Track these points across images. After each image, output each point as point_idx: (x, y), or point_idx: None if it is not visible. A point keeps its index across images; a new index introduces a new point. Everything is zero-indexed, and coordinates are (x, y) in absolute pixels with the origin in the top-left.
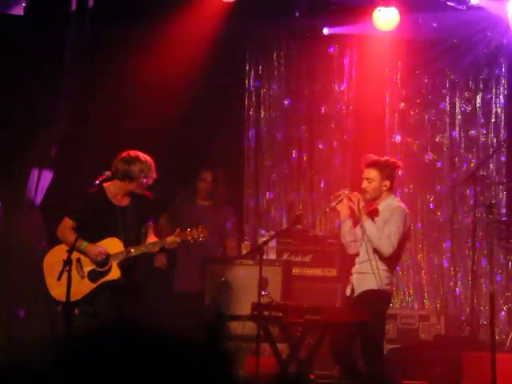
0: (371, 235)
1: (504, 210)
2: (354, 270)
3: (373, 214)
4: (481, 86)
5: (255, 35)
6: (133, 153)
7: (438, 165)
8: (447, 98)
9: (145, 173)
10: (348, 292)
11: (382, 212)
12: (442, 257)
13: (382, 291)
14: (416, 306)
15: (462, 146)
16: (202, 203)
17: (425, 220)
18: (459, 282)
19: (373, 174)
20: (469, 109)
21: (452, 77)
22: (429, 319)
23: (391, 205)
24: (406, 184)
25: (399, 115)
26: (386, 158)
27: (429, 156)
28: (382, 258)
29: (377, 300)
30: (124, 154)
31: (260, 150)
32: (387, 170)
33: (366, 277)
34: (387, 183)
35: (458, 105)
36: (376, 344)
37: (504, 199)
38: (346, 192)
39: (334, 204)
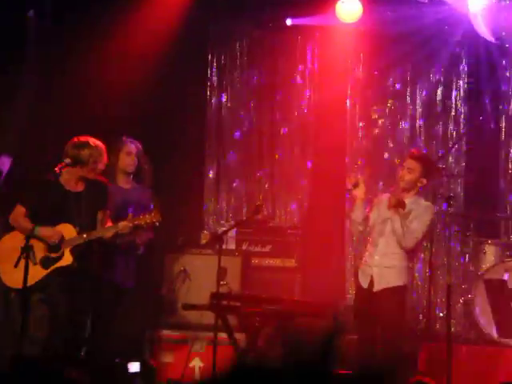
0: (397, 229)
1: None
2: (371, 262)
3: (400, 205)
4: (442, 79)
5: (218, 25)
6: (83, 138)
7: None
8: (408, 91)
9: (94, 157)
10: (365, 284)
11: (408, 206)
12: None
13: (405, 287)
14: None
15: (423, 138)
16: (124, 185)
17: None
18: (417, 275)
19: (416, 165)
20: (430, 102)
21: (413, 70)
22: None
23: (421, 202)
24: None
25: (360, 107)
26: (430, 156)
27: (390, 146)
28: (406, 253)
29: (403, 297)
30: (74, 140)
31: (221, 140)
32: (430, 170)
33: (392, 271)
34: (424, 181)
35: (418, 97)
36: (397, 339)
37: (462, 192)
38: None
39: (350, 187)
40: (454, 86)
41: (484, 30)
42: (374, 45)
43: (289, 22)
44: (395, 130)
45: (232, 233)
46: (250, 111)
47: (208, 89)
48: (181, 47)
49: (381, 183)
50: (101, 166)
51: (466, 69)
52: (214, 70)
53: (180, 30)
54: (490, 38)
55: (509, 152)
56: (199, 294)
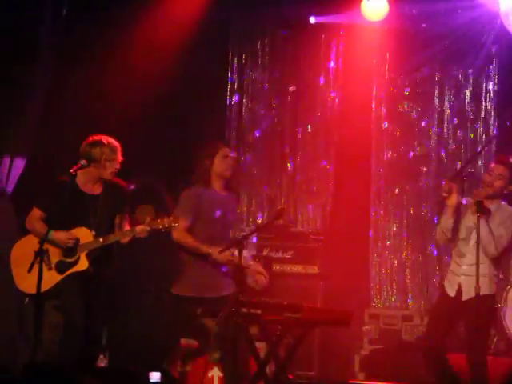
0: (484, 237)
1: None
2: (458, 271)
3: (485, 212)
4: (471, 79)
5: (239, 23)
6: (96, 136)
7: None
8: (436, 91)
9: (107, 155)
10: (452, 293)
11: (494, 213)
12: (426, 255)
13: (494, 296)
14: (399, 306)
15: (450, 141)
16: (220, 191)
17: (406, 216)
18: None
19: (506, 172)
20: (459, 103)
21: (441, 70)
22: (412, 319)
23: (506, 207)
24: (394, 180)
25: (386, 108)
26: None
27: (416, 150)
28: (493, 261)
29: (492, 306)
30: (88, 139)
31: (241, 141)
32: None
33: (480, 280)
34: (511, 188)
35: (446, 98)
36: (485, 350)
37: None
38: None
39: (445, 195)
40: (484, 87)
41: None
42: (400, 44)
43: (312, 19)
44: (421, 131)
45: (253, 238)
46: (271, 112)
47: (228, 89)
48: (201, 46)
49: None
50: (116, 165)
51: (496, 69)
52: (234, 69)
53: (200, 29)
54: None
55: None
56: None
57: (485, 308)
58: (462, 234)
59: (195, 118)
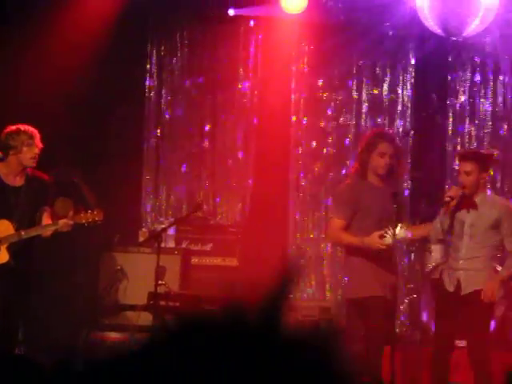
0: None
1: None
2: (456, 266)
3: (470, 207)
4: (388, 73)
5: (158, 15)
6: (12, 126)
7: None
8: (354, 85)
9: (24, 141)
10: (451, 288)
11: (480, 206)
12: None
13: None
14: (317, 297)
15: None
16: (377, 183)
17: (325, 209)
18: None
19: (471, 166)
20: (376, 96)
21: (360, 63)
22: (330, 311)
23: (495, 200)
24: (313, 172)
25: (305, 99)
26: (482, 150)
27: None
28: (489, 254)
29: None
30: (4, 130)
31: (161, 135)
32: (486, 163)
33: (479, 275)
34: (485, 176)
35: (364, 91)
36: (486, 345)
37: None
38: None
39: (448, 200)
40: (401, 80)
41: (431, 23)
42: (319, 36)
43: (231, 12)
44: (340, 125)
45: (171, 231)
46: (190, 105)
47: (147, 82)
48: (119, 38)
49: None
50: (35, 151)
51: (412, 62)
52: (153, 62)
53: (118, 23)
54: (437, 30)
55: (455, 147)
56: (136, 294)
57: (484, 303)
58: (456, 229)
59: (114, 112)
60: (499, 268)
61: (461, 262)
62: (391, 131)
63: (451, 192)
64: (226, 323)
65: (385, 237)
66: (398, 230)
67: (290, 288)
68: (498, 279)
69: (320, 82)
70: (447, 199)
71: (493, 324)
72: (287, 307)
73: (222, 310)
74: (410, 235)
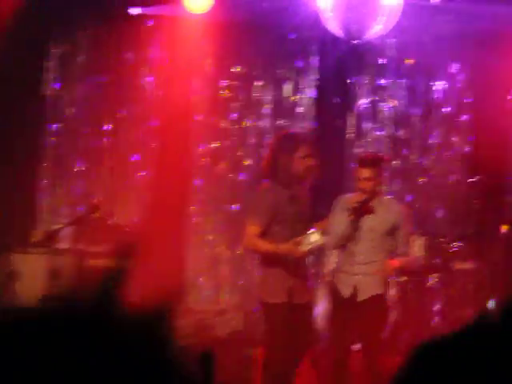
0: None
1: None
2: (352, 271)
3: (369, 212)
4: (291, 75)
5: (59, 14)
6: None
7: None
8: (257, 86)
9: None
10: (347, 293)
11: (378, 210)
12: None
13: (385, 295)
14: (213, 300)
15: (269, 135)
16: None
17: (223, 211)
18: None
19: (370, 172)
20: (278, 98)
21: (263, 64)
22: (225, 314)
23: (392, 204)
24: (212, 174)
25: (206, 100)
26: (377, 153)
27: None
28: (385, 259)
29: (386, 305)
30: None
31: (59, 133)
32: (382, 167)
33: (376, 279)
34: (381, 180)
35: (269, 93)
36: (379, 350)
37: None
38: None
39: (355, 205)
40: (304, 82)
41: (333, 26)
42: (223, 37)
43: (134, 11)
44: (243, 128)
45: (67, 231)
46: (89, 104)
47: (47, 79)
48: (20, 35)
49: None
50: None
51: (315, 65)
52: (53, 59)
53: (20, 17)
54: (339, 33)
55: (357, 150)
56: (29, 296)
57: (380, 308)
58: (353, 234)
59: (12, 109)
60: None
61: (358, 266)
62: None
63: (357, 198)
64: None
65: (301, 244)
66: (313, 236)
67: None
68: (395, 264)
69: (223, 82)
70: (356, 205)
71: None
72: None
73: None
74: (324, 241)
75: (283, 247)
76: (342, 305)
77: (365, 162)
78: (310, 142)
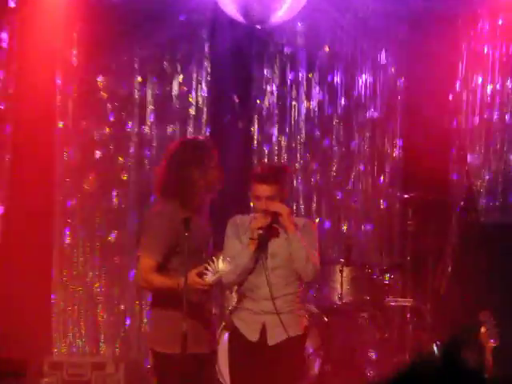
0: (301, 257)
1: None
2: (258, 308)
3: (274, 236)
4: (179, 68)
5: None
6: None
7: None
8: (136, 81)
9: None
10: (254, 337)
11: (282, 231)
12: (125, 287)
13: (306, 336)
14: (88, 352)
15: (155, 144)
16: None
17: (99, 238)
18: (146, 320)
19: (271, 189)
20: (163, 95)
21: (147, 55)
22: (104, 367)
23: (297, 220)
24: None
25: (74, 100)
26: (275, 165)
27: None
28: (298, 293)
29: (303, 349)
30: None
31: None
32: (284, 178)
33: (288, 318)
34: (286, 194)
35: (149, 91)
36: None
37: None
38: None
39: (260, 233)
40: (195, 77)
41: (231, 8)
42: (94, 21)
43: None
44: (123, 131)
45: None
46: None
47: None
48: None
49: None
50: None
51: (208, 56)
52: None
53: None
54: (238, 17)
55: (261, 158)
56: None
57: (297, 352)
58: (250, 263)
59: None
60: (314, 309)
61: (264, 303)
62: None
63: (258, 223)
64: None
65: (205, 274)
66: (219, 263)
67: None
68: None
69: (95, 79)
70: (259, 233)
71: (310, 380)
72: None
73: None
74: (231, 268)
75: (184, 281)
76: (247, 352)
77: (261, 176)
78: (215, 149)
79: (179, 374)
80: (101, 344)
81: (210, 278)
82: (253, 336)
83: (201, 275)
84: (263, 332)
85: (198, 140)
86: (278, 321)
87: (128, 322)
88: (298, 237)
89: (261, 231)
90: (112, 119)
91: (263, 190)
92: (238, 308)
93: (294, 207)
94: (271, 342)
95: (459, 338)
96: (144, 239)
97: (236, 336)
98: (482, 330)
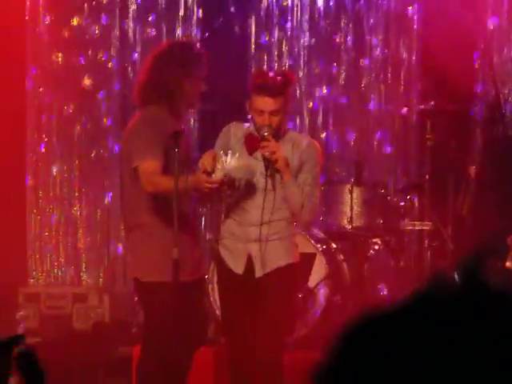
0: (296, 202)
1: None
2: (244, 236)
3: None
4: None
5: None
6: None
7: None
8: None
9: None
10: (239, 269)
11: (288, 151)
12: (105, 209)
13: (295, 265)
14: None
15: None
16: None
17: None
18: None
19: (277, 102)
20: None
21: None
22: (86, 299)
23: (299, 138)
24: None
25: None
26: (281, 73)
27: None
28: (290, 218)
29: (294, 281)
30: None
31: None
32: (290, 89)
33: (279, 246)
34: (289, 108)
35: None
36: (281, 344)
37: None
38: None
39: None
40: None
41: None
42: None
43: None
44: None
45: None
46: None
47: None
48: None
49: None
50: None
51: None
52: None
53: None
54: None
55: (261, 63)
56: None
57: (286, 284)
58: (240, 181)
59: None
60: (321, 234)
61: (251, 228)
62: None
63: (256, 134)
64: None
65: (212, 172)
66: (228, 158)
67: None
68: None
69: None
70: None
71: (315, 313)
72: None
73: None
74: (241, 163)
75: (192, 179)
76: (234, 286)
77: (263, 88)
78: (206, 57)
79: (169, 305)
80: (82, 273)
81: (217, 174)
82: (238, 268)
83: (208, 173)
84: (249, 263)
85: (188, 43)
86: (265, 249)
87: (112, 247)
88: (293, 181)
89: (265, 151)
90: (89, 21)
91: (265, 103)
92: (223, 234)
93: (298, 121)
94: (258, 273)
95: (483, 259)
96: (138, 146)
97: (222, 268)
98: (511, 254)
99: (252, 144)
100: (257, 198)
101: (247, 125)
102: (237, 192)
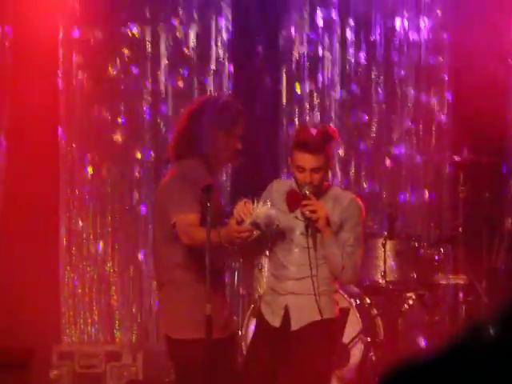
0: (336, 263)
1: None
2: (282, 289)
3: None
4: (196, 17)
5: None
6: None
7: None
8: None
9: None
10: (276, 322)
11: (329, 208)
12: (138, 266)
13: (335, 321)
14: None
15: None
16: None
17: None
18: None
19: (319, 159)
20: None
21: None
22: (120, 358)
23: (342, 196)
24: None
25: (82, 73)
26: (324, 129)
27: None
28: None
29: (333, 336)
30: None
31: None
32: (332, 146)
33: (322, 299)
34: (332, 165)
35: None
36: None
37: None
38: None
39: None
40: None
41: None
42: None
43: None
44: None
45: None
46: None
47: None
48: None
49: None
50: None
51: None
52: None
53: None
54: None
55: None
56: None
57: (323, 337)
58: (280, 237)
59: None
60: (355, 289)
61: (290, 282)
62: None
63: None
64: None
65: (243, 221)
66: (259, 206)
67: None
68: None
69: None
70: (307, 211)
71: (350, 368)
72: None
73: None
74: (273, 213)
75: (224, 231)
76: (268, 338)
77: (305, 144)
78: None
79: (201, 362)
80: (115, 331)
81: (248, 221)
82: (276, 322)
83: (239, 223)
84: (286, 315)
85: (227, 101)
86: (302, 302)
87: (145, 304)
88: (334, 240)
89: (307, 210)
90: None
91: (306, 160)
92: (266, 291)
93: (330, 174)
94: (295, 326)
95: None
96: (174, 202)
97: (261, 323)
98: None
99: (293, 201)
100: (296, 255)
101: (291, 181)
102: (265, 240)
